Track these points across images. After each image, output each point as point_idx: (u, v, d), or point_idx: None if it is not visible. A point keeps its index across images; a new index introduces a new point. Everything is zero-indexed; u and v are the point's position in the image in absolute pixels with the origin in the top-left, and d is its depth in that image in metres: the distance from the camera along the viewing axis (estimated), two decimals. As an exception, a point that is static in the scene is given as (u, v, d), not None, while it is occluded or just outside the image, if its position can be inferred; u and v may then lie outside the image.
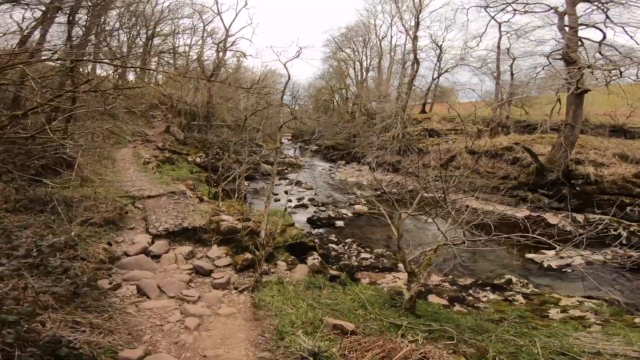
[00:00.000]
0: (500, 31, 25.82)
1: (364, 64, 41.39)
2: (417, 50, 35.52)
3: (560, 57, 19.14)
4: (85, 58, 12.91)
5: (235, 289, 6.78)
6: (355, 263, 11.55)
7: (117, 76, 32.56)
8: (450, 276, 11.50)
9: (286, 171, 25.73)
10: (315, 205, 17.57)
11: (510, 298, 10.23)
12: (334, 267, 10.84)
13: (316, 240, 11.85)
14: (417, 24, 27.45)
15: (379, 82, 35.77)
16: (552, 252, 13.95)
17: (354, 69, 40.13)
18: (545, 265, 12.62)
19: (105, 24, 31.29)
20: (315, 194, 19.74)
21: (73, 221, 7.72)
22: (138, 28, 34.95)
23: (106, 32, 33.75)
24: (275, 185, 22.33)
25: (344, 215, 16.09)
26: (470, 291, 10.50)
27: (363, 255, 12.11)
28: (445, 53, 30.73)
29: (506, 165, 19.37)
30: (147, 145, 22.98)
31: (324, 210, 16.85)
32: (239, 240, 8.65)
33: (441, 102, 35.91)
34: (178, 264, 7.61)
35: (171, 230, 8.30)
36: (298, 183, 22.00)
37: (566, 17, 20.05)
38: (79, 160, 12.56)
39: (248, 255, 8.05)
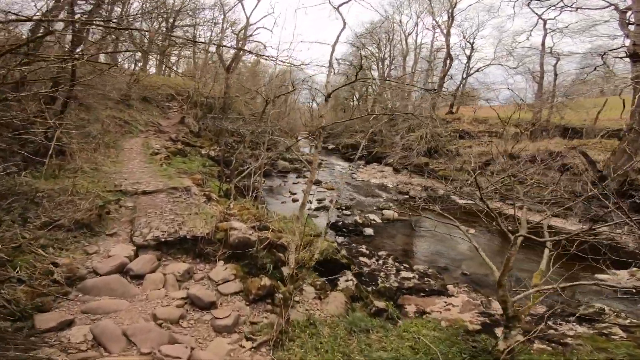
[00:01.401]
0: (545, 29, 22.86)
1: (386, 62, 38.73)
2: (441, 49, 32.71)
3: (626, 54, 16.25)
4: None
5: (248, 339, 4.37)
6: (395, 284, 9.03)
7: (135, 65, 30.71)
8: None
9: (304, 169, 23.34)
10: (338, 208, 15.12)
11: (605, 331, 7.58)
12: (371, 288, 8.38)
13: (344, 253, 9.38)
14: (452, 18, 24.69)
15: (404, 80, 33.03)
16: (624, 272, 11.31)
17: (378, 65, 37.46)
18: (621, 288, 9.87)
19: (127, 14, 29.58)
20: (337, 195, 17.30)
21: (30, 223, 5.45)
22: (159, 19, 33.19)
23: (128, 21, 32.11)
24: (293, 183, 19.97)
25: (373, 222, 13.60)
26: (550, 323, 7.88)
27: (404, 274, 9.58)
28: (477, 52, 27.79)
29: (559, 173, 16.54)
30: (159, 136, 20.88)
31: (349, 215, 14.37)
32: (254, 256, 6.28)
33: (466, 105, 33.02)
34: (167, 288, 5.25)
35: (163, 239, 5.95)
36: (318, 182, 19.59)
37: (630, 14, 17.11)
38: (72, 148, 10.44)
39: (265, 281, 5.64)
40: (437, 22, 26.11)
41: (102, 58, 32.41)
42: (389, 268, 9.99)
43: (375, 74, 39.16)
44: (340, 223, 13.02)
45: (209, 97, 25.58)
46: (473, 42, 26.95)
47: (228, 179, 14.23)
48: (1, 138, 8.60)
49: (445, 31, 25.27)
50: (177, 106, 26.58)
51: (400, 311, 7.57)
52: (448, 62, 25.17)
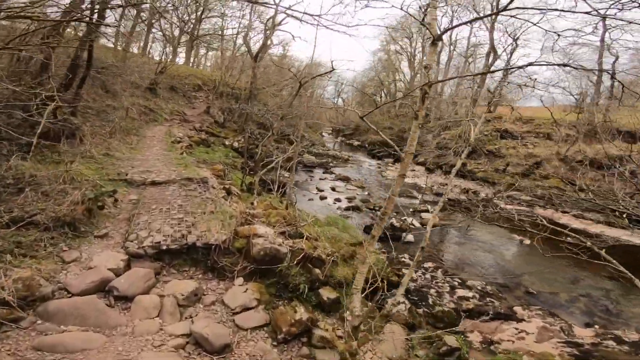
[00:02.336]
0: (604, 25, 20.01)
1: (417, 57, 36.25)
2: (479, 45, 30.05)
3: None
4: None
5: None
6: (452, 305, 7.17)
7: (164, 56, 29.80)
8: (602, 328, 6.89)
9: (331, 164, 21.59)
10: (370, 209, 13.29)
11: None
12: (422, 310, 6.58)
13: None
14: (497, 11, 21.98)
15: (436, 76, 30.59)
16: None
17: (410, 60, 35.05)
18: None
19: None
20: (368, 194, 15.46)
21: (-8, 217, 3.98)
22: (189, 11, 32.22)
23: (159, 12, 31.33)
24: (320, 179, 18.27)
25: (411, 226, 11.71)
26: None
27: (460, 292, 7.68)
28: (522, 47, 24.97)
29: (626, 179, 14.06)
30: (183, 125, 19.68)
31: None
32: (283, 273, 4.62)
33: (502, 104, 30.20)
34: (164, 318, 3.63)
35: (165, 247, 4.35)
36: (347, 179, 17.79)
37: None
38: (83, 131, 9.13)
39: (301, 313, 3.94)
40: (479, 16, 23.54)
41: (135, 50, 31.90)
42: (440, 284, 8.10)
43: (406, 69, 36.87)
44: (374, 226, 11.19)
45: (234, 88, 24.32)
46: (517, 38, 24.22)
47: (252, 172, 12.73)
48: (9, 120, 7.34)
49: (489, 25, 22.74)
50: (203, 96, 25.44)
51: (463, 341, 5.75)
52: (492, 56, 22.64)
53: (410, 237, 10.84)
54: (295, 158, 7.75)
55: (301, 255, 4.81)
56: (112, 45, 27.11)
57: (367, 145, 32.90)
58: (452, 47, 32.48)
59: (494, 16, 23.30)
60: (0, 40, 10.92)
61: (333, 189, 15.76)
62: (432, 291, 7.78)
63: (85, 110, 11.45)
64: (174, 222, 4.78)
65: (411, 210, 13.92)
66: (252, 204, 6.80)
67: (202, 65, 38.36)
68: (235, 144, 19.70)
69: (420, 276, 8.46)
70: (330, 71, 7.55)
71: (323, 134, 43.94)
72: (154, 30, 31.52)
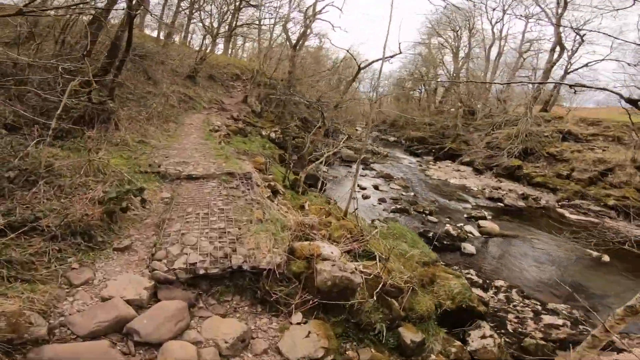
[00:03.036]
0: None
1: (462, 52, 33.50)
2: (537, 40, 27.09)
3: None
4: None
5: None
6: (539, 334, 5.64)
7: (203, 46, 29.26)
8: None
9: (370, 160, 20.05)
10: (419, 212, 11.73)
11: None
12: (503, 340, 5.10)
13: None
14: (565, 5, 19.26)
15: (486, 73, 27.93)
16: None
17: (455, 54, 32.38)
18: None
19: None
20: (414, 195, 13.86)
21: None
22: (228, 1, 31.45)
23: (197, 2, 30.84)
24: (360, 175, 16.85)
25: (470, 235, 10.09)
26: None
27: (547, 318, 6.11)
28: (588, 44, 21.92)
29: None
30: (221, 114, 18.87)
31: (435, 222, 10.95)
32: (355, 309, 3.36)
33: (558, 104, 27.23)
34: (200, 382, 2.47)
35: (202, 271, 3.18)
36: (388, 177, 16.24)
37: None
38: (119, 115, 8.26)
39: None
40: (544, 10, 20.77)
41: (176, 40, 31.69)
42: (519, 307, 6.56)
43: (449, 64, 34.34)
44: (429, 233, 9.68)
45: (272, 78, 23.26)
46: (584, 35, 21.20)
47: (293, 166, 11.59)
48: (44, 103, 6.56)
49: (555, 20, 19.95)
50: (241, 86, 24.63)
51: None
52: (557, 52, 19.92)
53: (470, 248, 9.26)
54: (361, 153, 6.40)
55: (379, 286, 3.50)
56: (155, 35, 26.93)
57: (404, 142, 30.95)
58: (502, 42, 29.59)
59: (562, 9, 20.54)
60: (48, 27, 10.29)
61: (376, 187, 14.31)
62: (512, 316, 6.27)
63: (125, 96, 10.69)
64: (213, 235, 3.60)
65: (465, 216, 12.22)
66: (302, 207, 5.56)
67: (239, 56, 37.74)
68: (272, 135, 18.66)
69: (492, 296, 6.95)
70: (398, 54, 6.15)
71: (357, 128, 42.35)
72: (194, 21, 31.12)
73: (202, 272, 3.09)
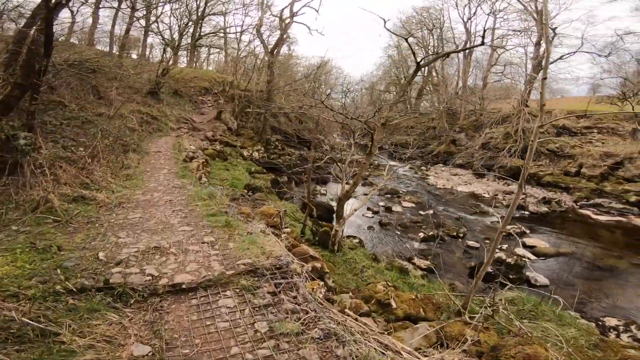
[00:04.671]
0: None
1: (429, 50, 32.27)
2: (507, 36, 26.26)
3: None
4: None
5: None
6: None
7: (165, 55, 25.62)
8: None
9: (367, 174, 17.76)
10: (453, 237, 9.45)
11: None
12: None
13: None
14: None
15: (464, 71, 26.71)
16: None
17: (427, 53, 31.00)
18: None
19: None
20: (433, 212, 11.67)
21: None
22: (189, 9, 28.08)
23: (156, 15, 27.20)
24: (363, 194, 14.39)
25: (526, 260, 7.93)
26: None
27: None
28: (561, 37, 21.02)
29: None
30: (193, 135, 15.73)
31: (477, 248, 8.70)
32: None
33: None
34: None
35: None
36: (395, 194, 13.97)
37: None
38: (44, 156, 5.17)
39: None
40: (525, 6, 19.52)
41: (133, 55, 27.70)
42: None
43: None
44: (471, 262, 7.42)
45: (247, 90, 20.35)
46: (555, 28, 20.28)
47: (284, 188, 8.94)
48: None
49: (537, 15, 18.74)
50: (212, 100, 21.41)
51: None
52: (543, 46, 18.74)
53: (542, 279, 7.16)
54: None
55: None
56: (107, 50, 23.02)
57: (388, 147, 29.01)
58: (472, 39, 28.50)
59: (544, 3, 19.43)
60: None
61: (388, 209, 11.94)
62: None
63: (58, 123, 7.48)
64: None
65: (500, 231, 10.14)
66: (380, 303, 2.96)
67: (205, 69, 34.21)
68: (255, 154, 15.81)
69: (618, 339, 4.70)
70: (480, 44, 4.12)
71: (335, 136, 40.08)
72: (151, 34, 27.42)
73: None
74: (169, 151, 11.55)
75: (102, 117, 10.97)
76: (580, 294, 6.48)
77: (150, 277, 2.77)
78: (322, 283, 3.21)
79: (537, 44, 18.14)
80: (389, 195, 13.72)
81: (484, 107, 24.58)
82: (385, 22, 6.70)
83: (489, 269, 7.49)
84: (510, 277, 7.17)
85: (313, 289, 2.94)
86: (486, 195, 14.31)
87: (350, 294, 3.53)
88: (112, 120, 11.55)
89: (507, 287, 4.33)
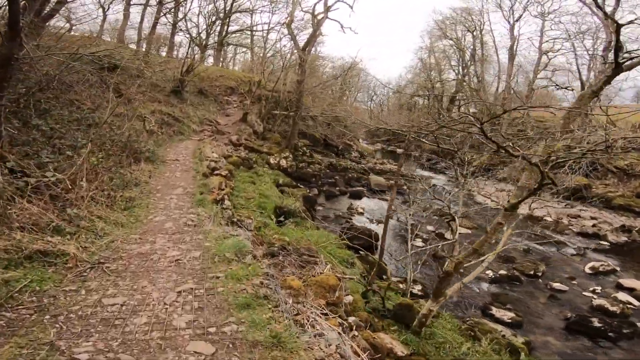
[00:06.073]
0: None
1: (469, 55, 29.52)
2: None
3: None
4: None
5: None
6: None
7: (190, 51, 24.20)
8: None
9: (404, 186, 15.56)
10: (529, 276, 7.21)
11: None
12: None
13: None
14: None
15: (508, 75, 23.91)
16: None
17: (463, 58, 28.35)
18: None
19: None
20: (495, 241, 9.45)
21: None
22: (216, 6, 26.63)
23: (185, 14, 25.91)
24: (399, 218, 12.24)
25: (631, 307, 5.71)
26: None
27: None
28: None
29: None
30: (217, 139, 14.05)
31: (564, 291, 6.43)
32: None
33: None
34: None
35: None
36: (445, 216, 11.84)
37: None
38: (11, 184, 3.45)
39: None
40: (587, 5, 16.68)
41: (163, 54, 26.53)
42: None
43: (460, 67, 30.40)
44: (584, 321, 5.24)
45: (274, 90, 18.60)
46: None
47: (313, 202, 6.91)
48: None
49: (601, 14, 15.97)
50: (238, 101, 19.78)
51: None
52: (612, 50, 16.06)
53: None
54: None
55: None
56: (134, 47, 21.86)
57: (419, 155, 26.58)
58: (516, 43, 25.55)
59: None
60: None
61: (440, 236, 9.79)
62: None
63: (49, 127, 5.81)
64: None
65: (588, 271, 7.85)
66: None
67: (232, 68, 32.85)
68: (283, 162, 13.98)
69: None
70: None
71: (360, 140, 37.86)
72: (179, 33, 26.12)
73: None
74: (188, 159, 9.86)
75: (119, 117, 9.40)
76: None
77: None
78: None
79: (606, 49, 15.41)
80: (435, 217, 11.49)
81: (530, 115, 21.86)
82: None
83: (592, 320, 5.30)
84: (624, 331, 4.99)
85: None
86: (549, 219, 11.86)
87: None
88: (130, 121, 9.91)
89: None
